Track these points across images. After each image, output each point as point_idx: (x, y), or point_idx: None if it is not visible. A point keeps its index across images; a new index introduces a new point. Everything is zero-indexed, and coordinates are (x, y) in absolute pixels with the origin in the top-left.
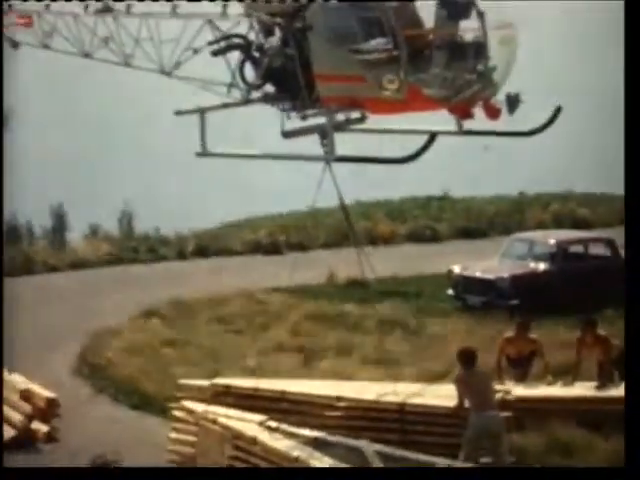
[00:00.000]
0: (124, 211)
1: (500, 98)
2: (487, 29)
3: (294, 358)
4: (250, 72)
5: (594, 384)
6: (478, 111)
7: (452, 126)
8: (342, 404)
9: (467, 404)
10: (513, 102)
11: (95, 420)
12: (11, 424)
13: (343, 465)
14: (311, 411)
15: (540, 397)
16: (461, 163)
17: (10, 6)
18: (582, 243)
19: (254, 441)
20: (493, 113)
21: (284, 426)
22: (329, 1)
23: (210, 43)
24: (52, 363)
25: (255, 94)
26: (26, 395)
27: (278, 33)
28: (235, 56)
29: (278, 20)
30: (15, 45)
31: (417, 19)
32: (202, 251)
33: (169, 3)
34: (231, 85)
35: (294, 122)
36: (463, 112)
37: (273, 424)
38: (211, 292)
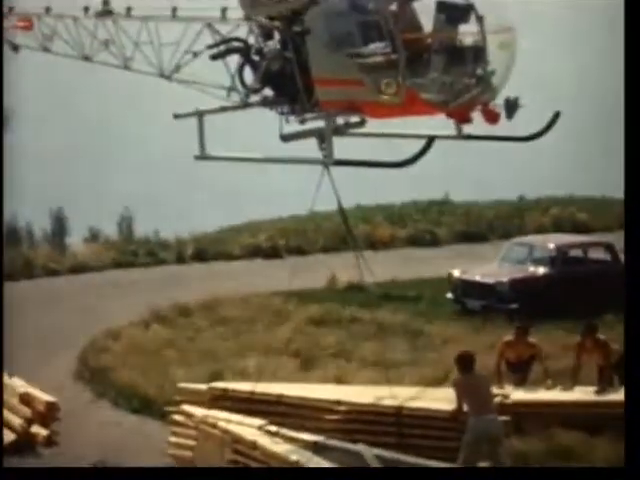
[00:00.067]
0: (124, 215)
1: (499, 102)
2: (486, 33)
3: (293, 362)
4: (249, 76)
5: (594, 388)
6: (477, 115)
7: (451, 130)
8: (340, 408)
9: (465, 408)
10: (512, 106)
11: (95, 424)
12: (11, 428)
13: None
14: (309, 415)
15: (540, 401)
16: (461, 167)
17: (10, 9)
18: (582, 247)
19: (254, 445)
20: (492, 117)
21: (284, 430)
22: (328, 4)
23: (209, 47)
24: (52, 367)
25: (254, 98)
26: (26, 399)
27: (277, 37)
28: (234, 60)
29: (277, 24)
30: (15, 48)
31: (416, 23)
32: (201, 255)
33: (169, 6)
34: (230, 89)
35: (293, 126)
36: (461, 116)
37: (273, 428)
38: (210, 296)
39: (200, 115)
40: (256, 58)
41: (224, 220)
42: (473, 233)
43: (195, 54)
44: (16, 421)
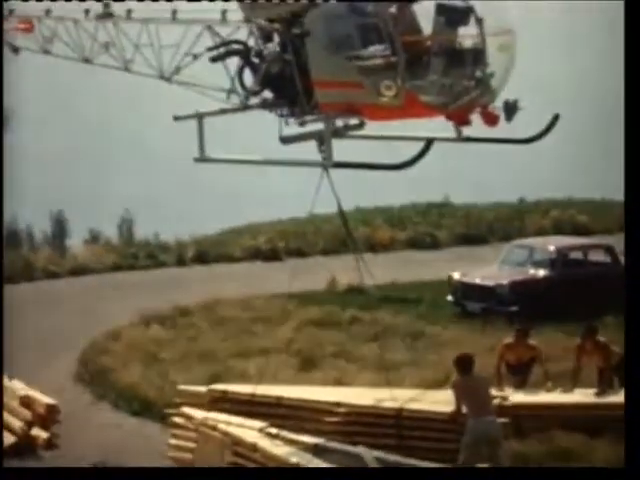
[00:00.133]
0: (124, 217)
1: (498, 105)
2: (485, 36)
3: (293, 364)
4: (249, 78)
5: (594, 391)
6: (476, 118)
7: (451, 133)
8: (340, 410)
9: (465, 410)
10: (511, 109)
11: (95, 426)
12: (11, 430)
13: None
14: (309, 416)
15: (540, 404)
16: (461, 170)
17: (11, 11)
18: (582, 250)
19: (254, 447)
20: (491, 120)
21: (284, 433)
22: (327, 7)
23: (209, 49)
24: (52, 369)
25: (254, 100)
26: (26, 401)
27: (277, 39)
28: (234, 62)
29: (277, 26)
30: (15, 50)
31: (415, 26)
32: (202, 257)
33: (169, 9)
34: (230, 91)
35: (292, 128)
36: (461, 119)
37: (273, 430)
38: (211, 298)
39: (200, 117)
40: (256, 60)
41: (224, 222)
42: (473, 235)
43: (195, 56)
44: (16, 424)
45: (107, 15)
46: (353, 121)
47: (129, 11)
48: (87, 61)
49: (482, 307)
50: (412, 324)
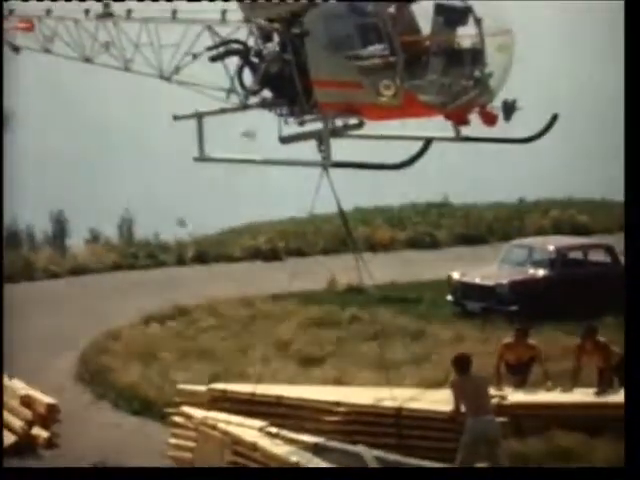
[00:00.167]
0: (124, 217)
1: (497, 105)
2: (484, 36)
3: (293, 363)
4: (248, 77)
5: (593, 390)
6: (475, 117)
7: (450, 133)
8: (339, 409)
9: (463, 409)
10: (509, 109)
11: (95, 426)
12: (11, 430)
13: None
14: (308, 416)
15: (539, 403)
16: (460, 170)
17: (11, 11)
18: (581, 249)
19: (254, 447)
20: (490, 120)
21: (284, 432)
22: (327, 7)
23: (209, 48)
24: (52, 369)
25: (253, 99)
26: (26, 401)
27: (276, 39)
28: (234, 62)
29: (276, 26)
30: (16, 49)
31: (414, 26)
32: (202, 257)
33: (169, 9)
34: (230, 90)
35: (292, 127)
36: (459, 118)
37: (273, 430)
38: (211, 298)
39: (199, 117)
40: (255, 60)
41: (224, 222)
42: (473, 235)
43: (195, 56)
44: (17, 423)
45: (107, 15)
46: (352, 121)
47: (129, 11)
48: (87, 60)
49: (482, 307)
50: (412, 324)
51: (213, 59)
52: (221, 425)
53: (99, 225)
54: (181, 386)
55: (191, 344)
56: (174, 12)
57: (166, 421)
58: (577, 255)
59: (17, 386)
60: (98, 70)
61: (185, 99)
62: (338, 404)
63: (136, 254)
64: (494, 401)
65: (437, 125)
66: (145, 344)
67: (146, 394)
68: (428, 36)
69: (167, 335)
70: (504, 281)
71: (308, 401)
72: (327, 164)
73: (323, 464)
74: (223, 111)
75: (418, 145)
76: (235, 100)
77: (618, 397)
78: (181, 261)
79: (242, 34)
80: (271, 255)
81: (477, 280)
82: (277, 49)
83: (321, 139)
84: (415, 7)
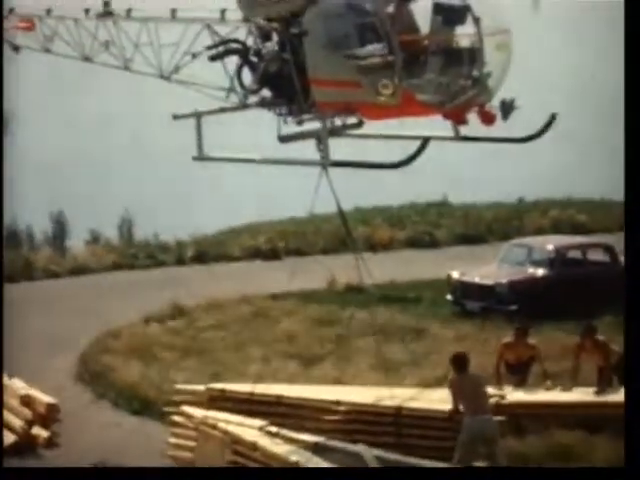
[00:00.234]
0: (124, 217)
1: (495, 104)
2: (483, 35)
3: (293, 363)
4: (248, 77)
5: (593, 389)
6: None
7: (449, 132)
8: (339, 408)
9: (461, 408)
10: (508, 108)
11: (95, 425)
12: (11, 429)
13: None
14: (308, 415)
15: (539, 402)
16: (460, 169)
17: (11, 10)
18: (581, 249)
19: (254, 446)
20: (488, 119)
21: (284, 431)
22: (326, 6)
23: (208, 48)
24: (52, 368)
25: (252, 99)
26: (26, 400)
27: (275, 38)
28: (233, 61)
29: (275, 25)
30: (16, 49)
31: (413, 25)
32: (201, 257)
33: (168, 8)
34: (229, 90)
35: (291, 127)
36: (457, 117)
37: (273, 429)
38: (210, 298)
39: (198, 116)
40: (254, 59)
41: (224, 222)
42: (472, 235)
43: (194, 55)
44: (17, 423)
45: (107, 14)
46: (351, 120)
47: (129, 10)
48: (87, 60)
49: (481, 306)
50: (412, 323)
51: (212, 58)
52: (221, 424)
53: (99, 225)
54: (179, 385)
55: (191, 344)
56: (174, 11)
57: (166, 420)
58: (576, 254)
59: (17, 386)
60: (98, 70)
61: (184, 98)
62: (338, 403)
63: (136, 254)
64: (493, 400)
65: (436, 124)
66: (145, 344)
67: (146, 394)
68: (427, 35)
69: (167, 335)
70: (503, 280)
71: (308, 400)
72: (326, 163)
73: (323, 463)
74: (222, 110)
75: (417, 144)
76: (234, 99)
77: (618, 396)
78: (181, 261)
79: (241, 33)
80: (271, 255)
81: (476, 279)
82: (276, 48)
83: (320, 138)
84: (414, 6)
